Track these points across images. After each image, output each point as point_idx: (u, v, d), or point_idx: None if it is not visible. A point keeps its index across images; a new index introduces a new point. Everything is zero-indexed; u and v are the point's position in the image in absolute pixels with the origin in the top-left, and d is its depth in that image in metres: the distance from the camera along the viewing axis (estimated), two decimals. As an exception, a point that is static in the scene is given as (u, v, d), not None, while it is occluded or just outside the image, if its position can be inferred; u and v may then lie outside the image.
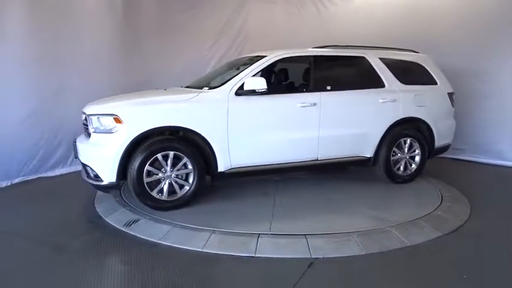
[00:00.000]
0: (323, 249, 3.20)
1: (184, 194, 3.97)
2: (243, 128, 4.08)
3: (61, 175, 5.60)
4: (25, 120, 5.21)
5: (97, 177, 3.82)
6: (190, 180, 3.97)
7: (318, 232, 3.43)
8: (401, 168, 4.88)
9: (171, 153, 3.85)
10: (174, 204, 3.94)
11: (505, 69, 5.82)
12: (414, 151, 4.94)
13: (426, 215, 3.87)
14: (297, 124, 4.34)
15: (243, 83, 4.05)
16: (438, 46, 6.01)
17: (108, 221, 3.87)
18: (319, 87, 4.45)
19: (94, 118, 3.82)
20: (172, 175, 3.91)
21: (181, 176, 3.96)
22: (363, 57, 4.76)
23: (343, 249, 3.22)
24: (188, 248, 3.26)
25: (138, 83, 6.37)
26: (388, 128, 4.70)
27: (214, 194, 4.45)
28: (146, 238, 3.46)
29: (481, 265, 3.04)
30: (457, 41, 6.06)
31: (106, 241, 3.47)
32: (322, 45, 4.84)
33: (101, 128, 3.79)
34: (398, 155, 4.85)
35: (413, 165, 4.95)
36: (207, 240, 3.33)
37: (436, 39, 6.12)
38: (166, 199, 3.91)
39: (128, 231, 3.60)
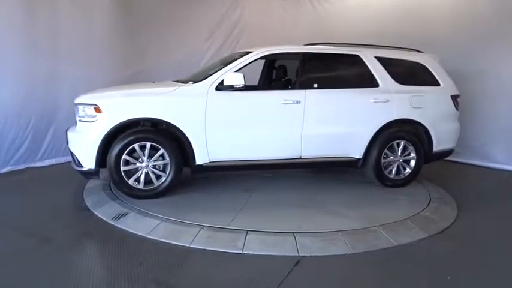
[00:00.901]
0: (311, 247, 3.22)
1: (160, 185, 4.09)
2: (221, 123, 4.13)
3: (51, 166, 5.56)
4: (13, 109, 5.14)
5: (79, 163, 4.01)
6: (167, 171, 4.07)
7: (263, 230, 3.43)
8: (394, 171, 4.71)
9: (148, 144, 3.98)
10: (150, 194, 4.07)
11: (494, 72, 5.84)
12: (409, 154, 4.73)
13: (414, 215, 3.91)
14: (278, 121, 4.31)
15: (224, 79, 4.11)
16: (432, 46, 5.99)
17: (96, 213, 3.86)
18: (306, 85, 4.39)
19: (80, 107, 4.03)
20: (150, 165, 4.04)
21: (159, 167, 4.08)
22: (357, 56, 4.63)
23: (330, 248, 3.24)
24: (176, 243, 3.26)
25: (131, 75, 6.38)
26: (379, 129, 4.55)
27: (190, 186, 4.50)
28: (134, 232, 3.45)
29: (465, 267, 3.07)
30: (449, 42, 6.04)
31: (93, 234, 3.46)
32: (317, 42, 4.81)
33: (85, 117, 3.98)
34: (391, 157, 4.67)
35: (408, 170, 4.76)
36: (195, 236, 3.33)
37: (431, 39, 6.08)
38: (142, 188, 4.06)
39: (116, 225, 3.59)
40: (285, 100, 4.28)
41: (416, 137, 4.74)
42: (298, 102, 4.29)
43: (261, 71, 5.79)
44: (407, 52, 4.93)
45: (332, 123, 4.47)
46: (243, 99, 4.22)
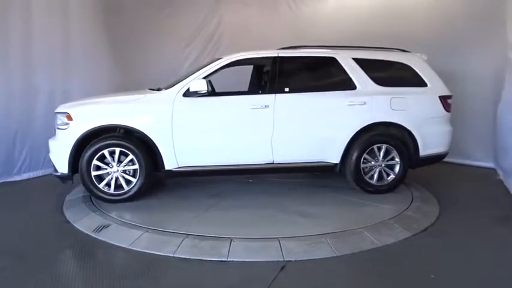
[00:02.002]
0: (296, 252, 3.20)
1: (130, 189, 4.20)
2: (188, 129, 4.20)
3: (28, 179, 5.41)
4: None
5: (55, 168, 4.24)
6: (137, 176, 4.18)
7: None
8: (375, 177, 4.51)
9: (117, 150, 4.12)
10: (120, 198, 4.20)
11: (472, 72, 5.95)
12: (392, 159, 4.51)
13: (397, 215, 3.94)
14: (247, 126, 4.30)
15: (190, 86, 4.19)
16: (411, 46, 6.00)
17: (76, 226, 3.77)
18: (276, 89, 4.35)
19: (57, 116, 4.26)
20: (119, 170, 4.16)
21: (129, 172, 4.20)
22: (333, 58, 4.50)
23: (315, 251, 3.23)
24: (159, 253, 3.20)
25: (111, 85, 6.30)
26: (357, 132, 4.38)
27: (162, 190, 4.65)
28: (116, 244, 3.38)
29: (448, 264, 3.10)
30: (429, 42, 6.04)
31: (73, 247, 3.38)
32: (295, 45, 4.76)
33: (60, 124, 4.20)
34: (372, 162, 4.49)
35: (392, 175, 4.55)
36: (179, 246, 3.28)
37: (410, 39, 6.07)
38: (112, 192, 4.18)
39: (97, 237, 3.51)
40: (253, 105, 4.25)
41: (401, 141, 4.53)
42: (266, 106, 4.25)
43: (250, 77, 5.77)
44: (390, 52, 4.74)
45: (304, 128, 4.38)
46: (210, 105, 4.27)
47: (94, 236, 3.54)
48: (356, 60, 4.53)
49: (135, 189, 4.19)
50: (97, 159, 4.11)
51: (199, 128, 4.24)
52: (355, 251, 3.27)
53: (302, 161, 4.45)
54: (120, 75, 6.58)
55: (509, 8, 5.06)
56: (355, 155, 4.40)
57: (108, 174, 4.16)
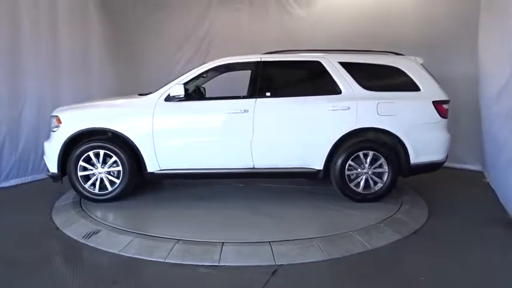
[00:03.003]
0: (287, 255, 3.21)
1: (113, 190, 4.33)
2: (169, 133, 4.31)
3: (16, 185, 5.33)
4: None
5: (47, 168, 4.45)
6: (120, 177, 4.30)
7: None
8: (361, 185, 4.33)
9: (102, 152, 4.28)
10: (103, 198, 4.35)
11: (462, 74, 6.03)
12: (380, 167, 4.33)
13: (387, 218, 3.97)
14: (226, 130, 4.34)
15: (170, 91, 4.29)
16: (400, 48, 6.01)
17: (66, 233, 3.73)
18: (257, 94, 4.32)
19: (52, 119, 4.45)
20: (103, 171, 4.29)
21: (113, 173, 4.34)
22: (318, 62, 4.40)
23: (306, 255, 3.25)
24: (150, 259, 3.19)
25: (99, 90, 6.28)
26: (340, 138, 4.26)
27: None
28: (107, 250, 3.35)
29: (437, 266, 3.14)
30: (413, 44, 6.04)
31: (63, 254, 3.35)
32: (283, 49, 4.74)
33: (52, 127, 4.41)
34: (358, 170, 4.35)
35: (379, 184, 4.36)
36: (170, 251, 3.26)
37: (398, 42, 6.10)
38: (97, 192, 4.34)
39: (87, 243, 3.48)
40: (233, 109, 4.27)
41: (391, 148, 4.35)
42: (246, 111, 4.25)
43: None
44: (380, 56, 4.58)
45: (284, 133, 4.33)
46: (190, 110, 4.35)
47: (84, 242, 3.50)
48: (343, 64, 4.40)
49: (118, 190, 4.32)
50: (83, 161, 4.28)
51: (178, 132, 4.34)
52: (346, 254, 3.29)
53: (283, 167, 4.40)
54: (111, 80, 6.56)
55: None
56: (339, 161, 4.28)
57: (93, 175, 4.31)
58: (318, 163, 4.33)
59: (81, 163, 4.28)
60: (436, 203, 4.54)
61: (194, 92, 4.73)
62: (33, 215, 4.22)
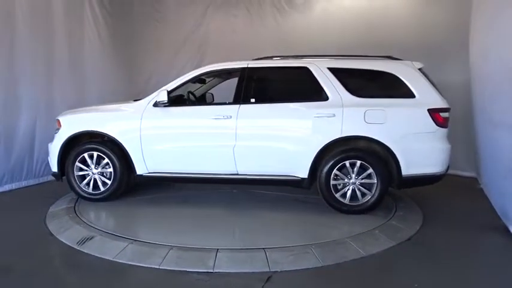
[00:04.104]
0: (282, 262, 3.21)
1: (105, 190, 4.55)
2: (155, 137, 4.46)
3: (11, 191, 5.29)
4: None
5: (51, 167, 4.75)
6: (112, 178, 4.52)
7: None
8: (348, 195, 4.16)
9: (95, 154, 4.52)
10: (96, 197, 4.59)
11: (455, 80, 6.06)
12: (369, 177, 4.14)
13: (381, 225, 3.97)
14: (209, 136, 4.38)
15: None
16: (396, 53, 5.99)
17: (60, 239, 3.70)
18: (242, 100, 4.31)
19: (56, 122, 4.71)
20: (97, 173, 4.54)
21: (106, 174, 4.55)
22: (305, 68, 4.30)
23: (301, 261, 3.24)
24: (145, 265, 3.18)
25: (94, 95, 6.28)
26: (324, 146, 4.12)
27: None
28: (101, 256, 3.33)
29: (431, 273, 3.15)
30: (409, 48, 5.95)
31: (56, 261, 3.33)
32: (275, 55, 4.72)
33: (55, 129, 4.70)
34: (345, 180, 4.18)
35: (368, 195, 4.16)
36: (165, 257, 3.25)
37: (394, 46, 6.10)
38: (90, 192, 4.58)
39: (81, 250, 3.46)
40: (216, 115, 4.29)
41: (380, 158, 4.15)
42: (229, 117, 4.25)
43: None
44: (372, 61, 4.38)
45: (268, 139, 4.28)
46: (175, 115, 4.49)
47: (78, 248, 3.48)
48: (332, 70, 4.26)
49: (109, 190, 4.54)
50: (79, 162, 4.54)
51: (164, 137, 4.47)
52: (340, 261, 3.29)
53: (267, 174, 4.34)
54: (107, 86, 6.58)
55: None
56: (324, 170, 4.13)
57: (88, 175, 4.57)
58: (302, 171, 4.21)
59: (77, 164, 4.54)
60: (430, 209, 4.56)
61: (188, 98, 4.78)
62: (27, 221, 4.19)
